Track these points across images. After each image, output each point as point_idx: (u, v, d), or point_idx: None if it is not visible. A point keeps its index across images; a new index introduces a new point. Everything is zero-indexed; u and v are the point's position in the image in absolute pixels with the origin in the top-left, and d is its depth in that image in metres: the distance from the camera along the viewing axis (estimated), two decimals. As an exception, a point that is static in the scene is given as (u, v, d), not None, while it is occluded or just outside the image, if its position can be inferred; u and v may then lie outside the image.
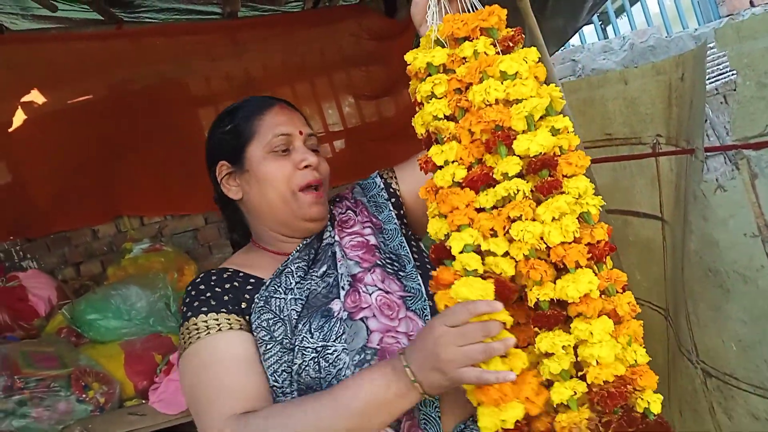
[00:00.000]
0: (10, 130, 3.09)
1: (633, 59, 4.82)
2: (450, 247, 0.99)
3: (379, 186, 1.35)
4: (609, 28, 6.40)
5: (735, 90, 1.59)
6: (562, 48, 4.78)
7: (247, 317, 1.13)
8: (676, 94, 2.07)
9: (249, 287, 1.16)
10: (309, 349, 1.08)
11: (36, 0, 2.84)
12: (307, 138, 1.26)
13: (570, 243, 0.96)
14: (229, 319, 1.11)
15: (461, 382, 0.93)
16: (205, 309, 1.12)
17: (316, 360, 1.08)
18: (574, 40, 5.57)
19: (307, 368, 1.08)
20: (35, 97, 3.14)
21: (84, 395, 2.40)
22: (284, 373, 1.09)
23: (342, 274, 1.17)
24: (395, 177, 1.36)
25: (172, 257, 3.17)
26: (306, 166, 1.21)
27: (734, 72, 1.53)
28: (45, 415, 2.35)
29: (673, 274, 2.16)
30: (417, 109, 1.08)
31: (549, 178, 0.98)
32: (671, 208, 2.21)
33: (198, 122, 3.51)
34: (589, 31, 6.01)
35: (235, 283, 1.16)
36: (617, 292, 0.99)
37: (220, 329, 1.09)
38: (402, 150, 1.51)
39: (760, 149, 1.46)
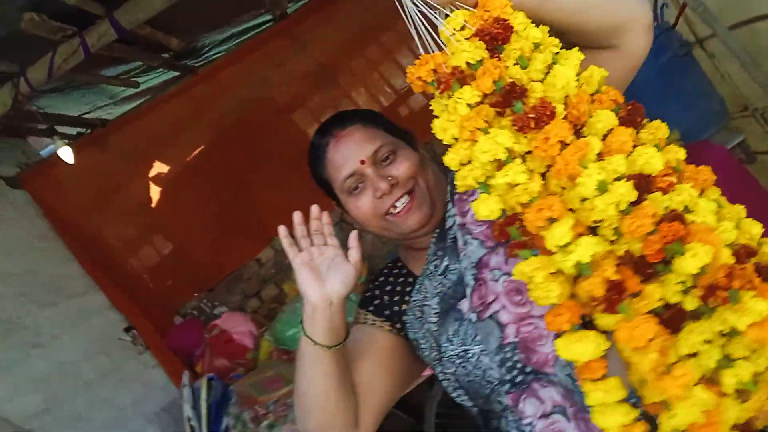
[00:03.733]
0: (152, 206, 3.39)
1: None
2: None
3: None
4: None
5: None
6: None
7: (405, 323, 1.18)
8: None
9: (408, 288, 1.20)
10: (453, 357, 1.08)
11: (119, 84, 3.05)
12: (373, 156, 1.14)
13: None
14: (382, 324, 1.20)
15: None
16: (372, 309, 1.22)
17: (462, 365, 1.07)
18: None
19: (458, 375, 1.08)
20: (158, 168, 3.40)
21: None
22: (445, 381, 1.13)
23: (465, 268, 1.08)
24: None
25: (331, 255, 3.33)
26: (381, 196, 1.13)
27: None
28: (293, 429, 2.58)
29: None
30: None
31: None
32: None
33: (297, 127, 3.65)
34: None
35: (398, 287, 1.22)
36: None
37: (374, 324, 1.20)
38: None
39: None
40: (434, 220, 1.16)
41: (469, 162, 0.78)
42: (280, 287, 3.40)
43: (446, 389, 1.15)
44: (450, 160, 0.79)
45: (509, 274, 1.03)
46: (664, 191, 0.74)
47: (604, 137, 0.77)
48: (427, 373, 2.81)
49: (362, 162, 1.13)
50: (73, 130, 3.19)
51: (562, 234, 0.70)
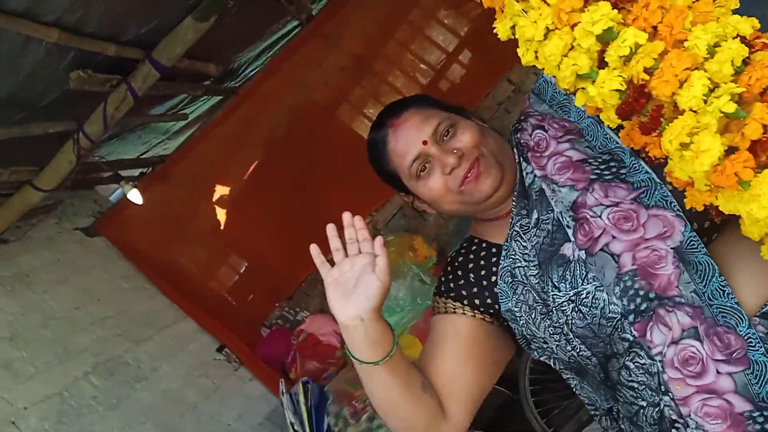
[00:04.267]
0: (221, 228, 3.52)
1: None
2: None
3: (551, 82, 1.18)
4: None
5: None
6: None
7: (496, 295, 1.15)
8: None
9: (493, 258, 1.17)
10: (564, 304, 1.03)
11: (170, 120, 3.17)
12: (433, 135, 1.14)
13: None
14: (464, 310, 1.17)
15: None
16: (453, 294, 1.19)
17: (575, 309, 1.02)
18: None
19: (571, 322, 1.04)
20: (220, 191, 3.52)
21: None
22: (555, 335, 1.08)
23: (561, 213, 1.06)
24: None
25: (398, 242, 3.36)
26: (451, 171, 1.12)
27: None
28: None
29: None
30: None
31: None
32: None
33: (342, 123, 3.70)
34: None
35: (482, 261, 1.19)
36: None
37: (455, 312, 1.17)
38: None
39: None
40: (506, 182, 1.14)
41: (570, 51, 0.75)
42: (356, 283, 3.46)
43: (554, 352, 1.12)
44: (553, 48, 0.76)
45: (613, 205, 1.02)
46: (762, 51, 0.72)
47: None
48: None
49: (424, 143, 1.13)
50: (135, 172, 3.34)
51: (702, 85, 0.68)
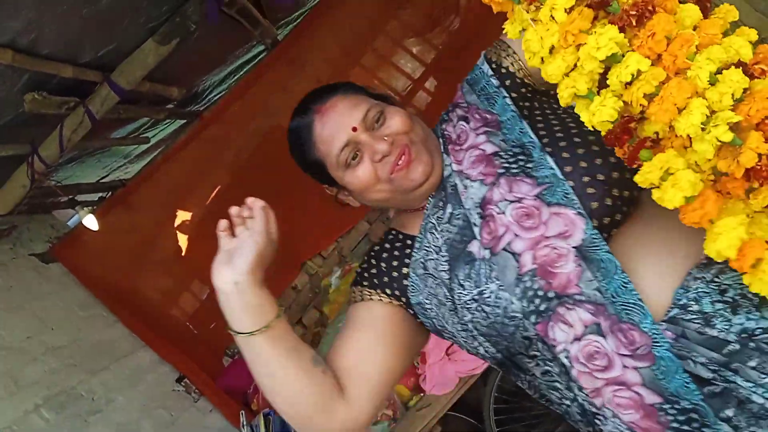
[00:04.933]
0: (183, 254, 3.45)
1: None
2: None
3: (486, 74, 1.14)
4: None
5: None
6: None
7: (405, 288, 1.14)
8: None
9: (407, 250, 1.16)
10: (468, 302, 1.02)
11: (131, 143, 3.12)
12: (363, 122, 1.10)
13: None
14: (379, 296, 1.16)
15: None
16: (366, 283, 1.18)
17: (478, 309, 1.01)
18: None
19: (476, 320, 1.03)
20: (182, 216, 3.45)
21: (377, 418, 2.62)
22: (463, 332, 1.07)
23: (469, 210, 1.05)
24: (507, 49, 1.14)
25: (364, 269, 3.33)
26: (382, 158, 1.08)
27: None
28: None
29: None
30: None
31: None
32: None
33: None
34: None
35: (396, 252, 1.17)
36: None
37: (371, 299, 1.16)
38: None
39: None
40: (436, 171, 1.11)
41: (573, 70, 0.77)
42: (321, 310, 3.42)
43: (463, 345, 1.11)
44: (554, 69, 0.77)
45: (516, 201, 1.01)
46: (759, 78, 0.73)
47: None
48: (479, 370, 2.77)
49: (354, 129, 1.08)
50: (94, 196, 3.26)
51: (701, 113, 0.69)
